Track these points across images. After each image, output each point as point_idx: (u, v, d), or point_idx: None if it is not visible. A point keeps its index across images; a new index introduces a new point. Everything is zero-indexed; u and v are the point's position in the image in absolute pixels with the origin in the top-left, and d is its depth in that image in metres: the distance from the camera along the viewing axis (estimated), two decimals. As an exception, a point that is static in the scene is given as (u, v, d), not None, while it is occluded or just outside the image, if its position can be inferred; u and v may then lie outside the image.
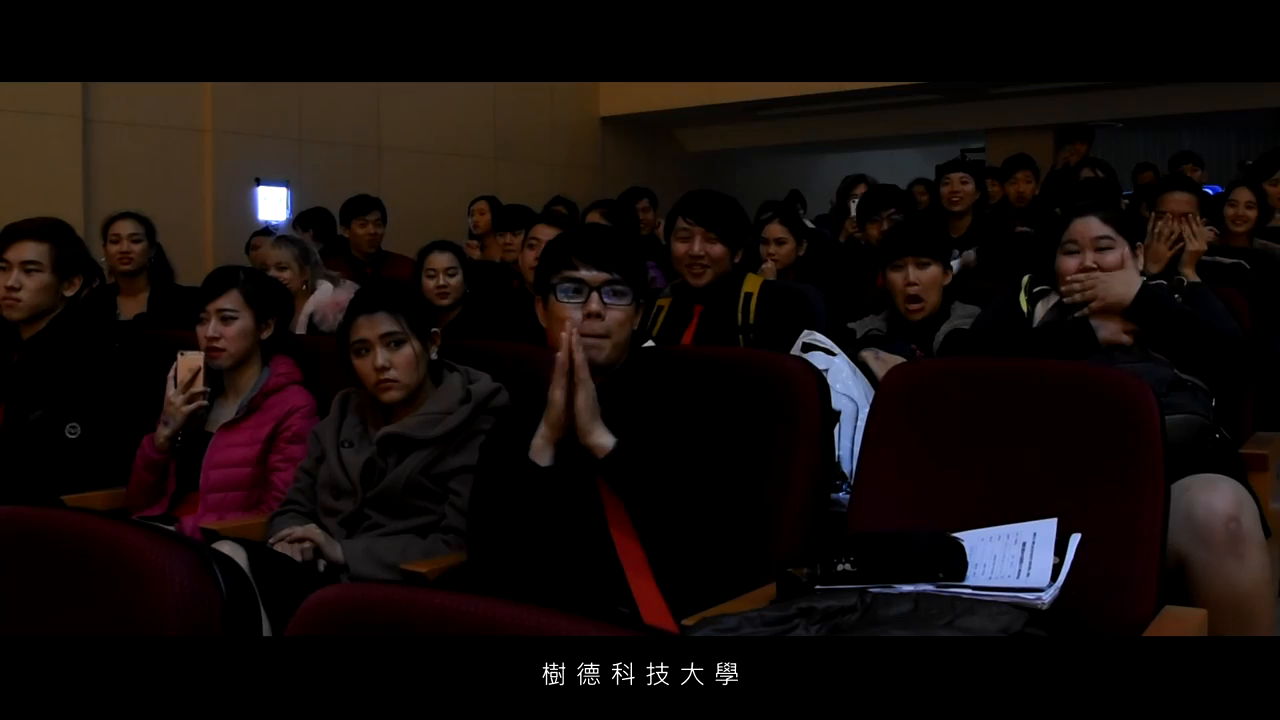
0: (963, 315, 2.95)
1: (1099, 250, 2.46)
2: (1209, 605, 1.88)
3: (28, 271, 2.78)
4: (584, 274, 1.97)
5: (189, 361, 2.57)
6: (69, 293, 2.84)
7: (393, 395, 2.26)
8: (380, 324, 2.26)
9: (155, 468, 2.60)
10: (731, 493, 1.97)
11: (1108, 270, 2.43)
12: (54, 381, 2.74)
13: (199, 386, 2.56)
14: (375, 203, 5.50)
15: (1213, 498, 1.96)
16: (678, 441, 1.92)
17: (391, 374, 2.25)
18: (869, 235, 4.29)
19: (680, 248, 2.89)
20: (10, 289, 2.76)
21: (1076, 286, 2.44)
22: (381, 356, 2.25)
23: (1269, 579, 1.96)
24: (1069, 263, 2.48)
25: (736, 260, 2.94)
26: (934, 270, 2.94)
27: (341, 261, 5.03)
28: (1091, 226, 2.48)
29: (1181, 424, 2.12)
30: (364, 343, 2.27)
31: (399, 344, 2.26)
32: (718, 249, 2.87)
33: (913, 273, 2.92)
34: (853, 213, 4.87)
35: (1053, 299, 2.57)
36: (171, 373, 2.57)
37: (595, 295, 1.97)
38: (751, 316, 2.91)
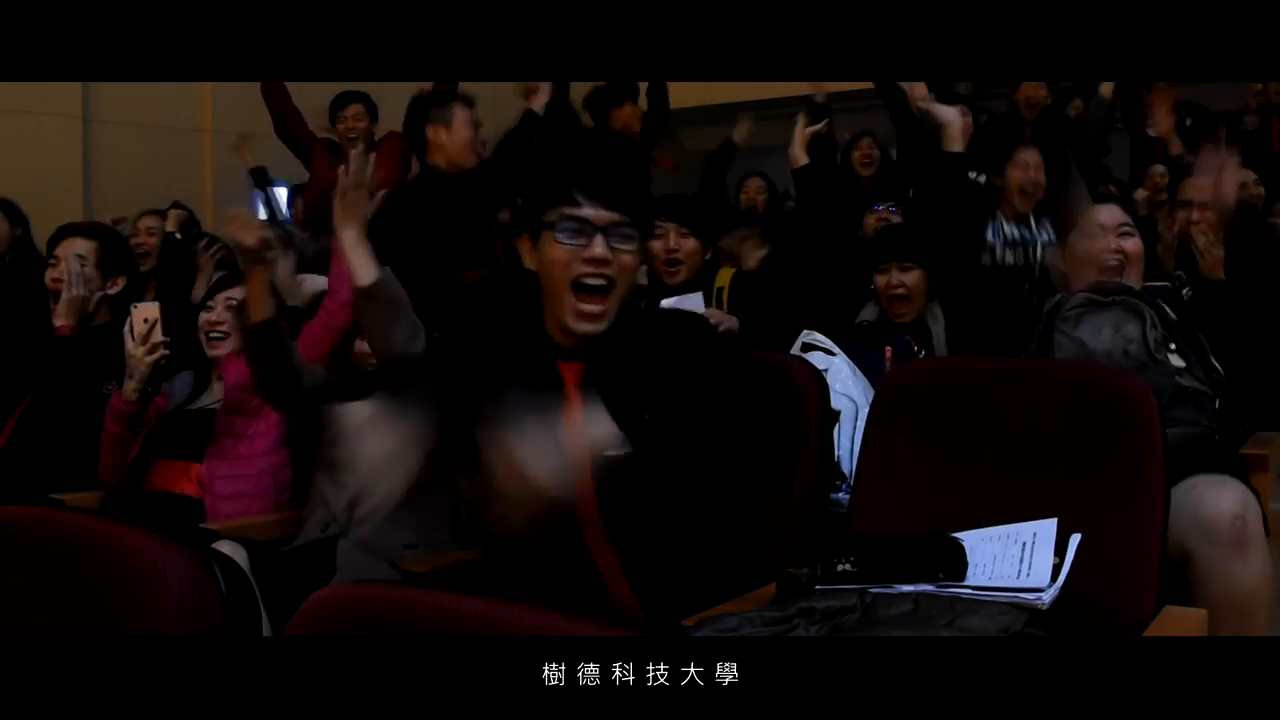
0: None
1: (1120, 236, 2.56)
2: (1209, 602, 1.90)
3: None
4: (588, 212, 1.68)
5: (143, 313, 2.61)
6: (112, 291, 2.94)
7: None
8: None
9: (122, 418, 2.64)
10: (742, 484, 1.93)
11: (1130, 255, 2.53)
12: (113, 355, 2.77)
13: (158, 336, 2.60)
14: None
15: (1220, 496, 2.00)
16: (695, 419, 1.73)
17: None
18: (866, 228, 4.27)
19: (655, 245, 2.95)
20: (56, 280, 2.86)
21: (1112, 262, 2.53)
22: None
23: (1269, 579, 1.98)
24: (1094, 244, 2.56)
25: (707, 257, 3.01)
26: (918, 274, 2.95)
27: None
28: (1115, 214, 2.61)
29: (1180, 437, 2.13)
30: None
31: None
32: (691, 243, 2.96)
33: (895, 276, 2.95)
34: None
35: (1057, 297, 2.59)
36: (127, 326, 2.61)
37: (600, 238, 1.67)
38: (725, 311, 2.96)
